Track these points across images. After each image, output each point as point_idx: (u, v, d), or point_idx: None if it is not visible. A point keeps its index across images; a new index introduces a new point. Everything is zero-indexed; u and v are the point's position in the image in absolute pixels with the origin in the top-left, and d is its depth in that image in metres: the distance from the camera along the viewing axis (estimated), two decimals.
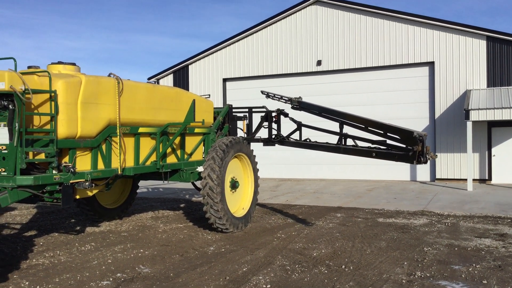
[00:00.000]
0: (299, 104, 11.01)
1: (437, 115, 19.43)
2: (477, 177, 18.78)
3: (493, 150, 18.75)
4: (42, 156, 7.09)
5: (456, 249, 8.12)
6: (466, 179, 17.34)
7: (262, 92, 11.98)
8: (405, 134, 8.23)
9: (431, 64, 19.65)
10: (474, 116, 16.65)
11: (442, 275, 6.63)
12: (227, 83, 23.88)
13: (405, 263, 7.24)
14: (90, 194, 8.26)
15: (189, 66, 24.46)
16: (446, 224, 10.46)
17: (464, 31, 18.92)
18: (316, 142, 10.72)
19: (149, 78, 25.64)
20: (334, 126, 10.03)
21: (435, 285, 6.19)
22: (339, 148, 9.79)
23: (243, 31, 22.98)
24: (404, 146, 8.37)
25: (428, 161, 8.20)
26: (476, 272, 6.75)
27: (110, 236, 9.30)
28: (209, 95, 11.66)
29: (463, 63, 18.97)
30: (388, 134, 8.64)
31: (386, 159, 8.88)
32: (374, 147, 9.11)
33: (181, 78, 24.64)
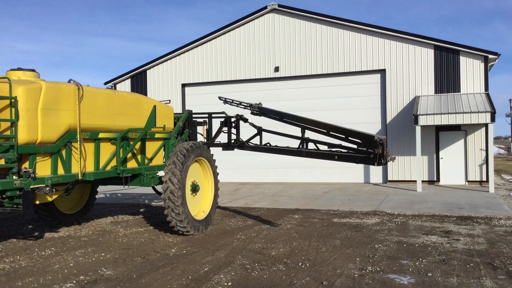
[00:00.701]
0: (260, 110, 11.31)
1: (388, 120, 20.34)
2: (426, 179, 19.77)
3: (441, 153, 19.80)
4: (2, 161, 7.10)
5: (404, 245, 8.67)
6: (415, 181, 18.22)
7: (220, 98, 12.23)
8: (366, 138, 8.75)
9: (382, 72, 20.56)
10: (423, 121, 17.57)
11: (391, 269, 7.11)
12: (186, 88, 24.02)
13: (358, 259, 7.69)
14: (50, 199, 8.29)
15: (148, 71, 24.43)
16: (396, 223, 11.07)
17: (414, 40, 19.92)
18: (276, 146, 11.06)
19: (105, 83, 25.39)
20: (294, 130, 10.41)
21: (384, 278, 6.65)
22: (301, 152, 10.17)
23: (202, 36, 23.23)
24: (363, 149, 8.89)
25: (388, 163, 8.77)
26: (422, 266, 7.27)
27: (70, 241, 9.31)
28: (170, 100, 11.83)
29: (412, 70, 19.97)
30: (349, 138, 9.13)
31: (348, 162, 9.35)
32: (335, 151, 9.57)
33: (139, 83, 24.55)
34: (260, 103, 11.58)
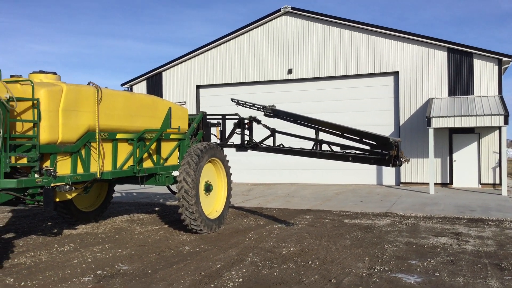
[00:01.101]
0: (273, 112, 11.48)
1: (401, 122, 20.39)
2: (439, 181, 19.77)
3: (454, 155, 19.79)
4: (24, 160, 7.43)
5: (414, 246, 8.81)
6: (428, 183, 18.25)
7: (232, 100, 12.45)
8: (381, 140, 8.92)
9: (396, 74, 20.63)
10: (436, 123, 17.62)
11: (399, 268, 7.26)
12: (201, 90, 24.35)
13: (367, 258, 7.86)
14: (69, 197, 8.60)
15: (163, 73, 24.82)
16: (407, 224, 11.19)
17: (427, 43, 19.96)
18: (290, 147, 11.25)
19: (122, 84, 25.87)
20: (307, 132, 10.57)
21: (392, 277, 6.82)
22: (315, 153, 10.31)
23: (216, 39, 23.55)
24: (376, 151, 9.06)
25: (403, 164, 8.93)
26: (430, 266, 7.41)
27: (87, 237, 9.64)
28: (185, 102, 12.11)
29: (426, 73, 20.01)
30: (364, 140, 9.29)
31: (362, 163, 9.52)
32: (350, 152, 9.73)
33: (154, 84, 24.96)
34: (273, 105, 11.77)
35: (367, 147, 9.39)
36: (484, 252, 8.28)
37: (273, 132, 11.60)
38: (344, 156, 9.79)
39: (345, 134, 9.66)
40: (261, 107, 11.77)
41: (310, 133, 10.55)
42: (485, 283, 6.48)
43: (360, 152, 9.56)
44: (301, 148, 10.83)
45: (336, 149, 10.14)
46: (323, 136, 10.25)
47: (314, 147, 10.41)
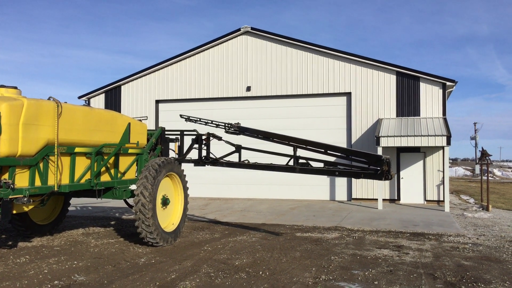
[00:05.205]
0: (239, 129, 11.78)
1: (353, 140, 21.35)
2: (388, 197, 20.76)
3: (402, 173, 20.87)
4: None
5: (358, 257, 9.43)
6: (377, 199, 19.15)
7: (181, 116, 12.61)
8: (373, 157, 9.53)
9: (348, 95, 21.64)
10: (384, 142, 18.62)
11: (343, 277, 7.84)
12: (160, 105, 24.56)
13: (314, 269, 8.41)
14: (26, 209, 8.74)
15: (122, 87, 24.89)
16: (354, 237, 11.85)
17: (377, 66, 21.11)
18: (256, 163, 11.48)
19: (80, 97, 25.68)
20: (272, 147, 10.99)
21: (335, 285, 7.37)
22: (294, 168, 10.54)
23: (177, 55, 23.93)
24: (349, 165, 9.71)
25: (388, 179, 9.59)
26: (371, 275, 8.02)
27: (43, 250, 9.73)
28: (147, 117, 12.40)
29: (376, 94, 21.10)
30: (351, 157, 9.87)
31: (349, 177, 10.10)
32: (335, 167, 10.19)
33: (113, 98, 24.97)
34: (238, 123, 12.10)
35: (324, 160, 9.95)
36: (421, 263, 8.99)
37: (239, 148, 11.89)
38: (329, 171, 10.06)
39: (328, 152, 10.10)
40: (225, 124, 12.08)
41: (276, 148, 10.94)
42: None
43: (342, 167, 10.08)
44: (271, 164, 11.10)
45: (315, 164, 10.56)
46: (286, 150, 10.66)
47: (293, 163, 10.55)
